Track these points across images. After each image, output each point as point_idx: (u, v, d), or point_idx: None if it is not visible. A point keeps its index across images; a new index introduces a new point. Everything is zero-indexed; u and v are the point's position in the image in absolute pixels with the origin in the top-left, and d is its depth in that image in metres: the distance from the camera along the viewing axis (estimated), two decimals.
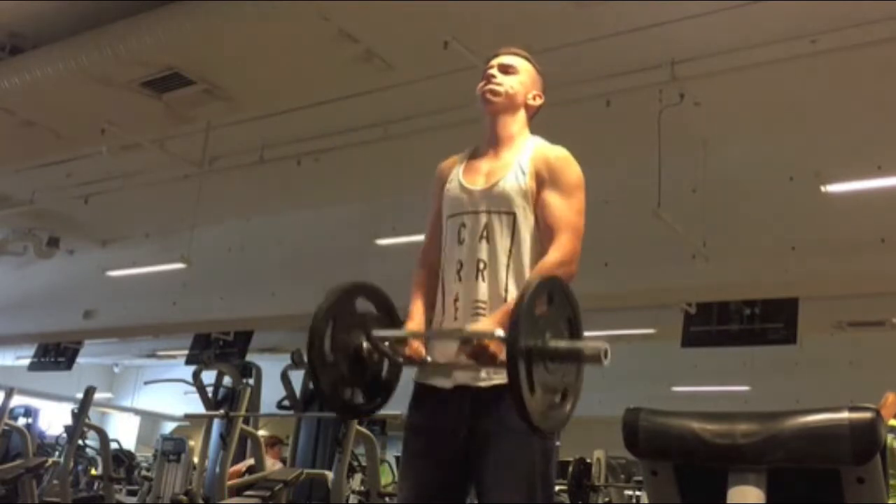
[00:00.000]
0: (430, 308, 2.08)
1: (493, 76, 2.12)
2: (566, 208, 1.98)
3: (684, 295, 7.29)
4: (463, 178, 2.10)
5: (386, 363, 1.99)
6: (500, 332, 1.68)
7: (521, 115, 2.14)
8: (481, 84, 2.13)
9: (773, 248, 6.26)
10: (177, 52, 5.40)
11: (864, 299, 7.72)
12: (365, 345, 1.92)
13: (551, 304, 1.71)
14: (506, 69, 2.13)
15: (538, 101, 2.17)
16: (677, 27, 4.93)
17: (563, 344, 1.70)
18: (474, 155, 2.15)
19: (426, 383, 2.01)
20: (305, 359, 1.88)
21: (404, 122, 6.22)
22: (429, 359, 1.96)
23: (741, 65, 5.12)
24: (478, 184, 2.06)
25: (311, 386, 6.20)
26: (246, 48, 5.36)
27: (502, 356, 1.66)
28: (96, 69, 5.53)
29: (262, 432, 6.75)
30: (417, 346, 1.96)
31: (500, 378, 1.89)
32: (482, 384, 1.91)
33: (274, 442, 7.38)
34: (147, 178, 7.74)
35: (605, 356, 1.66)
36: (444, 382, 1.97)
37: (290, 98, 6.18)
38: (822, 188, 5.89)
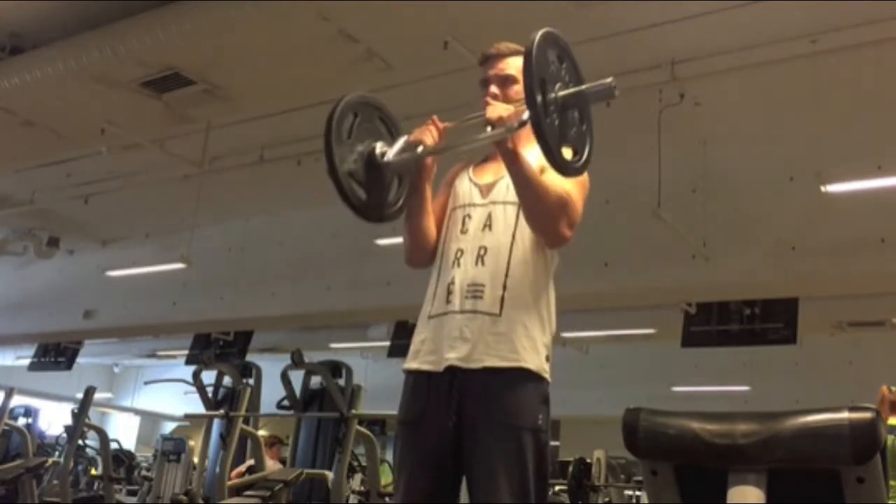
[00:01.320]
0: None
1: (496, 95, 2.10)
2: (568, 184, 1.98)
3: (684, 295, 7.29)
4: (473, 174, 2.16)
5: (396, 182, 2.09)
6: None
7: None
8: (485, 101, 2.11)
9: (773, 248, 6.25)
10: (177, 52, 5.39)
11: (864, 299, 7.71)
12: (378, 149, 2.03)
13: (555, 59, 1.84)
14: (503, 81, 2.11)
15: None
16: (677, 27, 4.93)
17: (572, 90, 1.84)
18: (486, 159, 2.20)
19: (416, 369, 2.00)
20: (323, 146, 1.94)
21: (404, 122, 6.19)
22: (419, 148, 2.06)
23: (741, 65, 5.12)
24: (486, 179, 2.11)
25: (311, 387, 6.20)
26: (246, 48, 5.36)
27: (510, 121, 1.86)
28: (96, 69, 5.53)
29: (261, 432, 6.75)
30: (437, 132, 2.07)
31: (489, 359, 1.90)
32: (473, 365, 1.90)
33: (273, 442, 7.37)
34: (147, 178, 7.74)
35: (614, 89, 1.83)
36: (433, 366, 1.95)
37: (290, 98, 6.17)
38: (822, 188, 5.89)
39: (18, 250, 10.27)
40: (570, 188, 1.98)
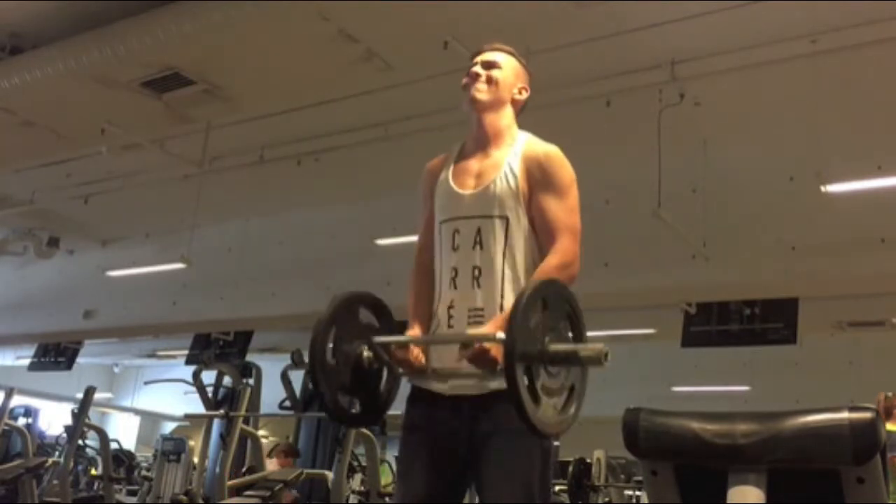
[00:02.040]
0: (428, 317, 2.06)
1: (478, 74, 2.10)
2: (562, 209, 1.97)
3: (684, 295, 7.29)
4: (453, 181, 2.08)
5: (385, 373, 1.97)
6: (500, 335, 1.66)
7: (508, 111, 2.12)
8: (465, 81, 2.11)
9: (773, 248, 6.25)
10: (177, 52, 5.39)
11: (864, 299, 7.71)
12: (365, 354, 1.90)
13: (548, 309, 1.70)
14: (489, 66, 2.11)
15: (524, 95, 2.15)
16: (677, 27, 4.93)
17: (561, 348, 1.70)
18: (462, 154, 2.14)
19: (424, 387, 2.00)
20: (308, 365, 1.86)
21: (404, 122, 6.22)
22: (430, 367, 1.96)
23: (741, 65, 5.12)
24: (468, 187, 2.05)
25: (310, 387, 6.20)
26: (246, 48, 5.36)
27: (502, 361, 1.65)
28: (96, 69, 5.53)
29: (262, 431, 6.74)
30: (418, 354, 1.94)
31: (497, 384, 1.87)
32: (477, 392, 1.91)
33: (289, 452, 7.20)
34: (147, 178, 7.74)
35: (605, 358, 1.68)
36: (441, 388, 1.96)
37: (290, 98, 6.18)
38: (822, 188, 5.89)
39: (18, 250, 10.26)
40: (564, 218, 1.97)
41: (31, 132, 6.69)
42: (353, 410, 1.93)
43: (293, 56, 5.46)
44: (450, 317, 1.99)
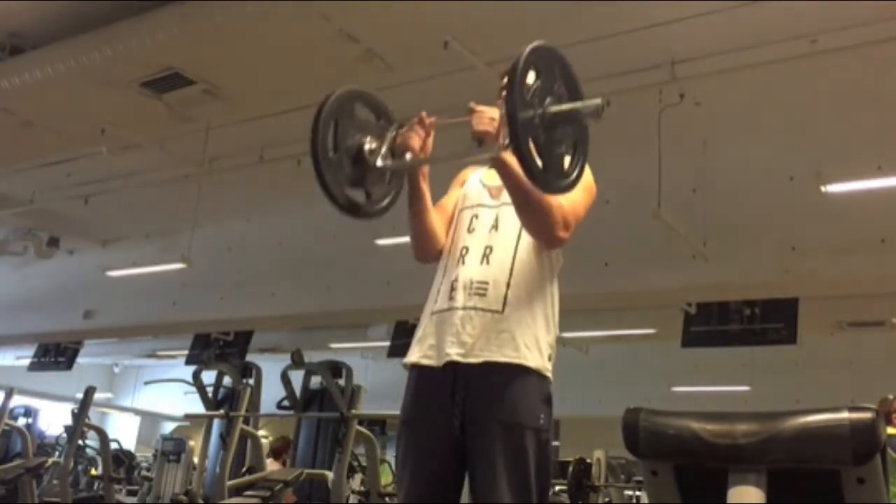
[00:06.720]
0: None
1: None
2: (566, 198, 1.97)
3: (684, 295, 7.29)
4: (483, 176, 2.17)
5: (388, 174, 2.05)
6: (499, 107, 1.80)
7: None
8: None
9: (773, 248, 6.26)
10: (177, 52, 5.40)
11: (864, 299, 7.71)
12: (366, 146, 1.98)
13: (541, 76, 1.78)
14: None
15: None
16: (677, 27, 4.93)
17: (560, 108, 1.80)
18: None
19: (416, 362, 1.99)
20: (311, 160, 1.90)
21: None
22: (408, 155, 2.01)
23: (741, 65, 5.13)
24: (496, 181, 2.08)
25: (309, 386, 6.19)
26: (246, 48, 5.37)
27: (499, 141, 1.82)
28: (96, 69, 5.53)
29: (263, 433, 6.73)
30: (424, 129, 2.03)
31: (489, 354, 1.89)
32: (472, 360, 1.89)
33: (280, 450, 7.13)
34: (147, 178, 7.74)
35: (602, 110, 1.80)
36: (433, 360, 1.95)
37: (290, 98, 6.17)
38: (822, 188, 5.89)
39: (18, 250, 10.27)
40: (563, 201, 1.97)
41: (31, 132, 6.70)
42: (362, 202, 2.00)
43: (293, 56, 5.46)
44: (452, 289, 1.99)
